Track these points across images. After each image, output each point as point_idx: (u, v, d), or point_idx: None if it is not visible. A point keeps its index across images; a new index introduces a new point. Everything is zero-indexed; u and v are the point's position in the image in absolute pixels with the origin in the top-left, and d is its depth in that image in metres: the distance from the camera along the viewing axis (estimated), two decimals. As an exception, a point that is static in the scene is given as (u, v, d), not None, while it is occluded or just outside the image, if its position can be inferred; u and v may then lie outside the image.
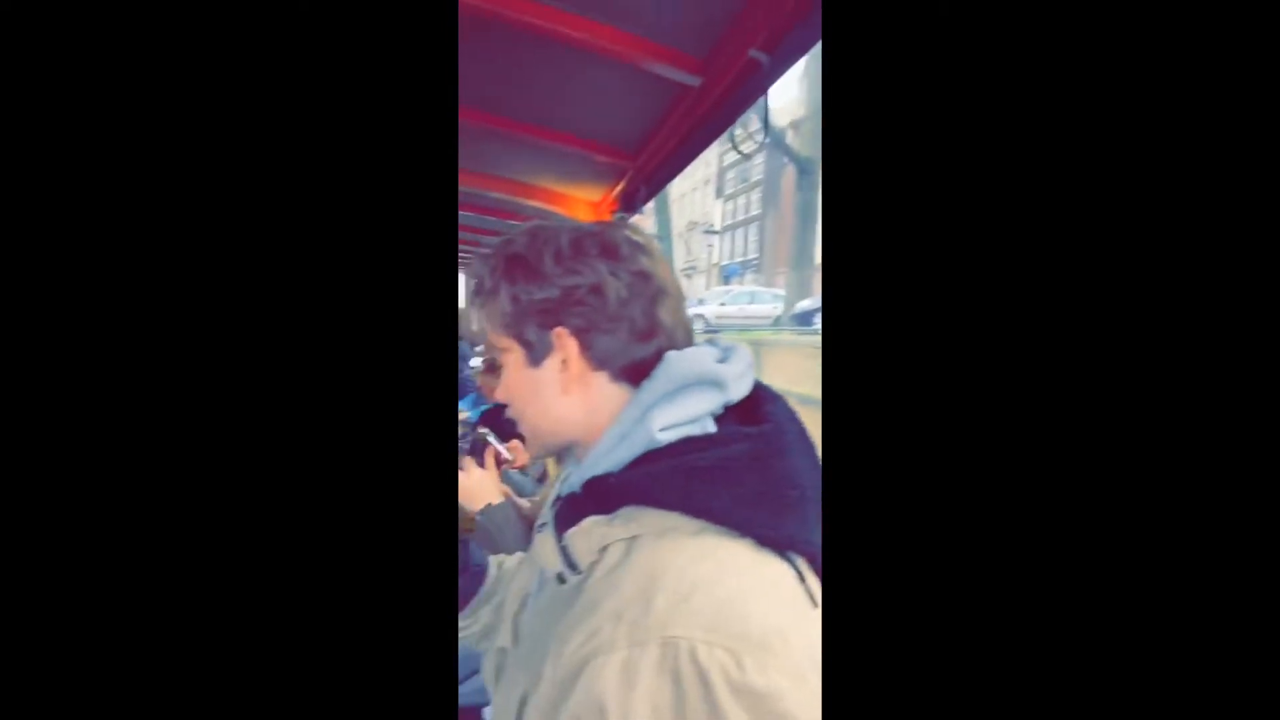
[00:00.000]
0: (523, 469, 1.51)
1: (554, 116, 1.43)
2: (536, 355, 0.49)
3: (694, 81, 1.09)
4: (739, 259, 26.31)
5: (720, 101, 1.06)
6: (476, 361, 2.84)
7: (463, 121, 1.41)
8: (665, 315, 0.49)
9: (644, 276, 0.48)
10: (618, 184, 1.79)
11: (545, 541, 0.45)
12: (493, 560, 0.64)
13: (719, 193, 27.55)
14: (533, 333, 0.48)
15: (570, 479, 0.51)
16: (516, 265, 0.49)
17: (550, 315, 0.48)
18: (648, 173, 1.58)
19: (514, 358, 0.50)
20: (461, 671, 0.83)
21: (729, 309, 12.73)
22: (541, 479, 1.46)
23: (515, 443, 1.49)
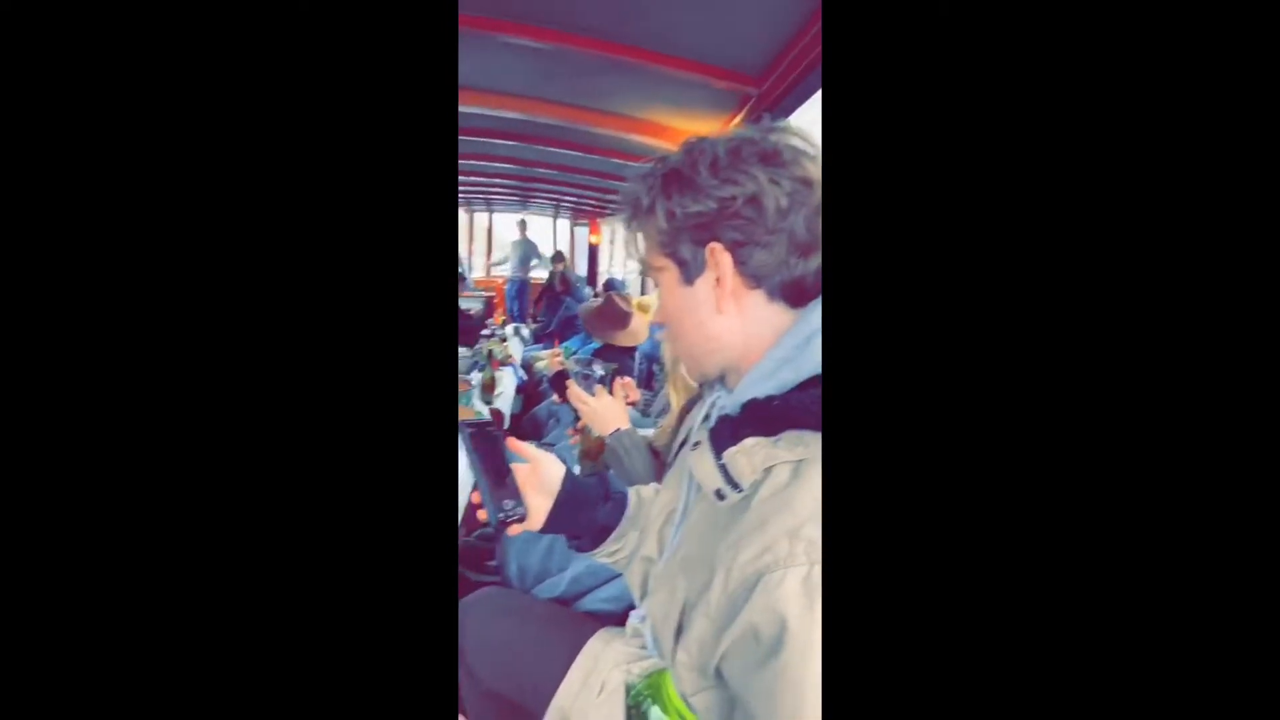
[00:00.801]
0: (634, 404, 1.57)
1: (666, 38, 1.36)
2: (690, 273, 0.48)
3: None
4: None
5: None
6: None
7: (566, 49, 1.38)
8: None
9: (807, 184, 0.45)
10: (737, 113, 1.69)
11: (702, 459, 0.46)
12: (632, 491, 0.67)
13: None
14: (687, 249, 0.47)
15: (721, 401, 0.51)
16: (673, 180, 0.47)
17: (705, 230, 0.46)
18: (773, 98, 1.47)
19: (669, 277, 0.50)
20: (593, 580, 0.90)
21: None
22: (662, 413, 1.50)
23: (628, 380, 1.55)
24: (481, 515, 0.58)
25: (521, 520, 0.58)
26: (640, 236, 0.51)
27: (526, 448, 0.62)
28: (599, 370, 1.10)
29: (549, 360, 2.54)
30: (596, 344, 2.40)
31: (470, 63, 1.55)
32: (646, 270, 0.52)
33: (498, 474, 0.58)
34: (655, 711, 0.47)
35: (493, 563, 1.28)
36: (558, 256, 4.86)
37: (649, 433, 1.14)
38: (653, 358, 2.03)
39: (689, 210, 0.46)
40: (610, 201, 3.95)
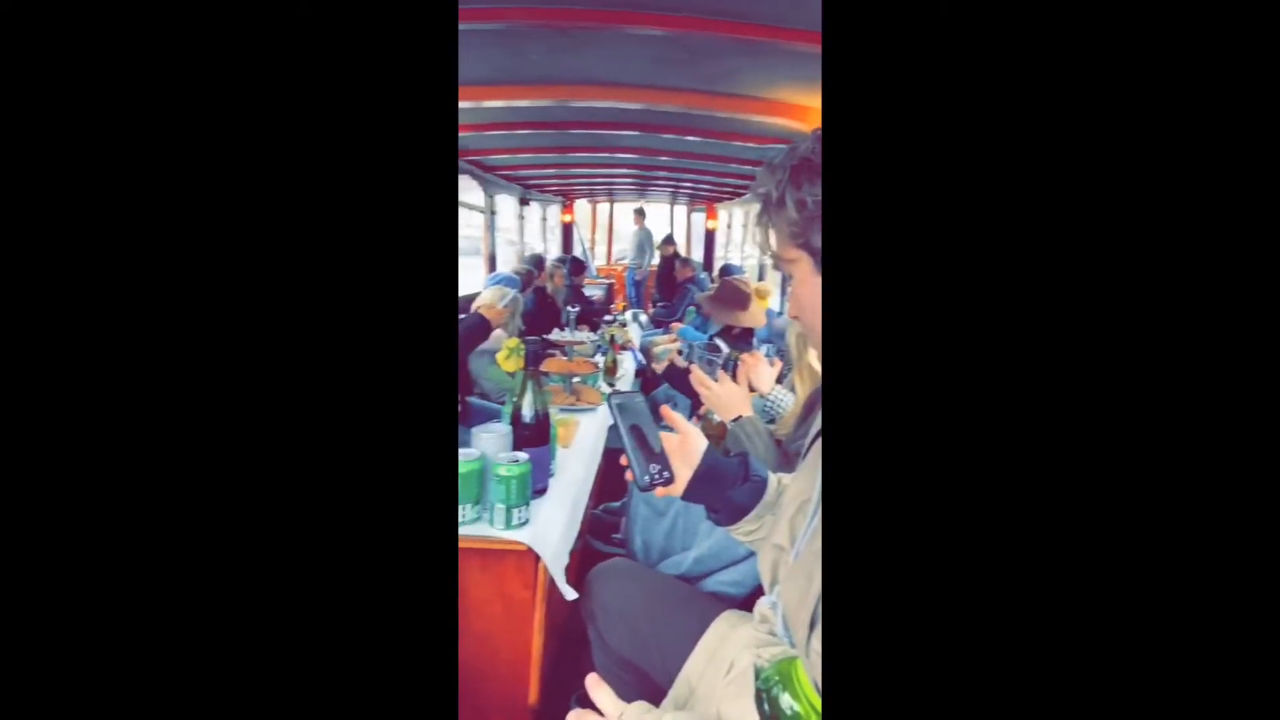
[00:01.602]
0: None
1: (789, 11, 1.29)
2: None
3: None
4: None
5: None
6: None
7: (681, 35, 1.35)
8: None
9: None
10: (870, 83, 1.57)
11: None
12: (772, 476, 0.67)
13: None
14: (819, 238, 0.46)
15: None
16: (803, 170, 0.47)
17: None
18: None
19: (802, 268, 0.49)
20: (716, 563, 0.92)
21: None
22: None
23: (758, 353, 1.52)
24: (629, 477, 0.61)
25: (668, 484, 0.61)
26: (771, 232, 0.51)
27: (677, 418, 0.64)
28: (724, 349, 1.09)
29: (666, 345, 2.59)
30: (715, 329, 2.39)
31: (591, 57, 1.60)
32: (779, 264, 0.52)
33: (647, 441, 0.61)
34: (785, 698, 0.48)
35: (618, 535, 1.34)
36: (667, 240, 4.91)
37: (788, 400, 1.11)
38: (770, 345, 1.99)
39: (820, 198, 0.45)
40: (727, 186, 3.87)
